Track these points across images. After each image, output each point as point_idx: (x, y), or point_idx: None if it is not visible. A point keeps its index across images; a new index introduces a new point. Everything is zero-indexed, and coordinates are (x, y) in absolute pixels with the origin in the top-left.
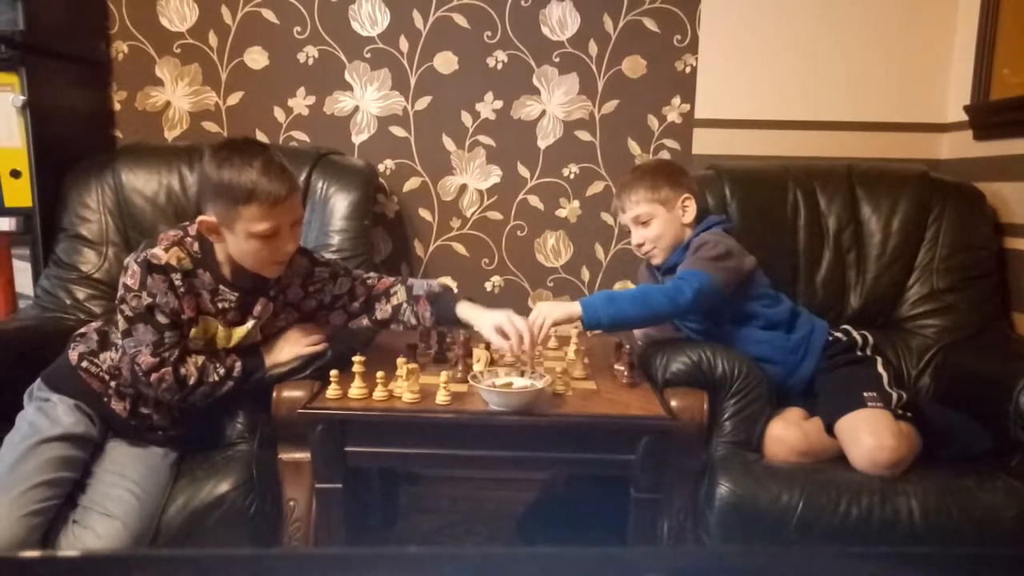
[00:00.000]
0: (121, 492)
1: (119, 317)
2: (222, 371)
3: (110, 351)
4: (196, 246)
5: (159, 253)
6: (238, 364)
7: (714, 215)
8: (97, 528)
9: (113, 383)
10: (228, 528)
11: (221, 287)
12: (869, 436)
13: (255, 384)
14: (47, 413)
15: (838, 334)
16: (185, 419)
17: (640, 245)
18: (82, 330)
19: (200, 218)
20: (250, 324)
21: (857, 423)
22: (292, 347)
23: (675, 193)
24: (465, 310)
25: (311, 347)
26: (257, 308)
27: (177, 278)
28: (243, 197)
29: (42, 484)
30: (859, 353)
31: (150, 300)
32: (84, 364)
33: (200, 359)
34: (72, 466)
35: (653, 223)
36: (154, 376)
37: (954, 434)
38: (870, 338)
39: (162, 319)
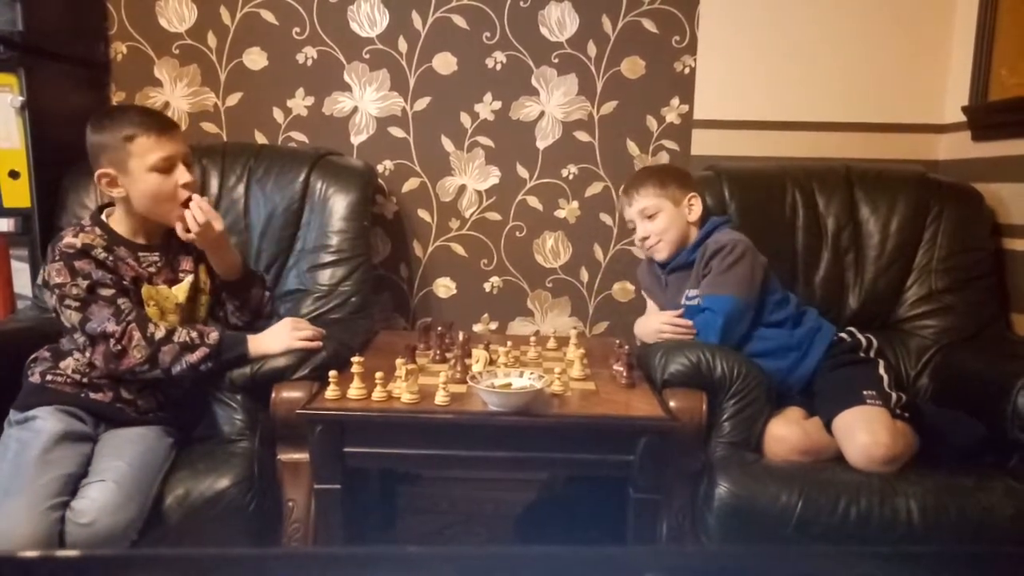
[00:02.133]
0: (116, 463)
1: (69, 314)
2: (194, 334)
3: (69, 358)
4: (97, 230)
5: (71, 241)
6: (213, 333)
7: (716, 216)
8: (91, 493)
9: (85, 379)
10: (227, 524)
11: (140, 253)
12: (865, 433)
13: (248, 373)
14: (30, 427)
15: (843, 335)
16: (171, 402)
17: (645, 239)
18: (33, 356)
19: (98, 172)
20: (189, 278)
21: (853, 419)
22: (281, 338)
23: (682, 191)
24: None
25: (303, 342)
26: (187, 264)
27: (99, 254)
28: (130, 135)
29: (50, 480)
30: (862, 355)
31: (88, 281)
32: (49, 378)
33: (172, 325)
34: (73, 462)
35: (659, 217)
36: (124, 339)
37: (947, 429)
38: (874, 341)
39: (108, 292)
